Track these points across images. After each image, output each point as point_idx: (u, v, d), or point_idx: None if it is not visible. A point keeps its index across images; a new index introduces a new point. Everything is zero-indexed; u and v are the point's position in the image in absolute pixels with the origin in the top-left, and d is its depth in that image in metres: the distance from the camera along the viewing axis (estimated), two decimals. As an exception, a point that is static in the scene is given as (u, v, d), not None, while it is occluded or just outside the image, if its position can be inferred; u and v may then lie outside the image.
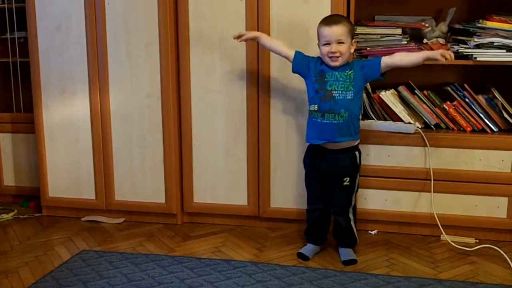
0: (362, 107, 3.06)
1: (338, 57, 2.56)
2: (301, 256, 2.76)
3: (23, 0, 3.35)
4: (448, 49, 2.93)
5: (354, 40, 2.64)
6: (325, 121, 2.61)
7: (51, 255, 2.84)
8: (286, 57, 2.76)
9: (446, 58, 2.56)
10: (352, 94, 2.60)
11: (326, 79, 2.62)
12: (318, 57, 2.70)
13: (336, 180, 2.68)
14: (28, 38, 3.27)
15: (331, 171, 2.68)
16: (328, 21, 2.58)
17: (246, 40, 2.83)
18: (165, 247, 2.93)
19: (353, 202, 2.74)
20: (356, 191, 2.75)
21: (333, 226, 2.80)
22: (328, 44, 2.56)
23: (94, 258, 2.77)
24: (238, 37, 2.80)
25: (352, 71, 2.61)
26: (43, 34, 3.22)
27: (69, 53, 3.20)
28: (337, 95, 2.59)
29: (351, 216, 2.74)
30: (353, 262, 2.70)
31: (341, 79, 2.60)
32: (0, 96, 3.81)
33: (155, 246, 2.95)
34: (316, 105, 2.63)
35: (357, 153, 2.70)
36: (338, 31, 2.54)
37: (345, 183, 2.67)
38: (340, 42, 2.55)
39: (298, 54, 2.72)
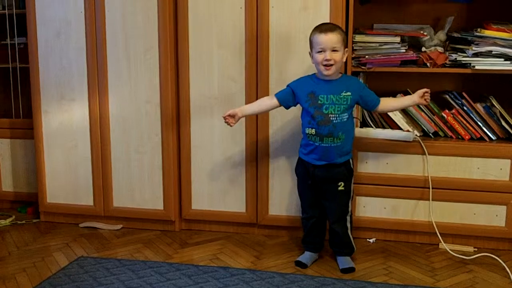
0: (361, 115, 3.07)
1: (332, 65, 2.55)
2: (299, 264, 2.75)
3: (23, 6, 3.36)
4: (446, 58, 2.95)
5: (346, 49, 2.64)
6: (325, 145, 2.63)
7: (49, 261, 2.83)
8: (274, 107, 2.76)
9: (425, 99, 2.66)
10: (347, 115, 2.62)
11: (320, 102, 2.61)
12: (301, 78, 2.70)
13: (331, 186, 2.68)
14: (28, 44, 3.28)
15: (326, 177, 2.68)
16: (322, 28, 2.58)
17: (230, 117, 2.70)
18: (163, 254, 2.92)
19: (349, 209, 2.74)
20: (352, 198, 2.75)
21: (329, 235, 2.79)
22: (322, 51, 2.55)
23: (92, 265, 2.76)
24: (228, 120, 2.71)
25: (349, 93, 2.61)
26: (43, 40, 3.23)
27: (69, 59, 3.20)
28: (335, 118, 2.60)
29: (348, 224, 2.74)
30: (351, 270, 2.69)
31: (337, 102, 2.60)
32: (-1, 101, 3.83)
33: (153, 252, 2.94)
34: (314, 129, 2.63)
35: (350, 159, 2.71)
36: (333, 38, 2.54)
37: (339, 188, 2.67)
38: (334, 50, 2.54)
39: (279, 95, 2.72)
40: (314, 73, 2.68)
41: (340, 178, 2.67)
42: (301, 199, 2.83)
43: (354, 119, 2.79)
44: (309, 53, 2.65)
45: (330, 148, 2.62)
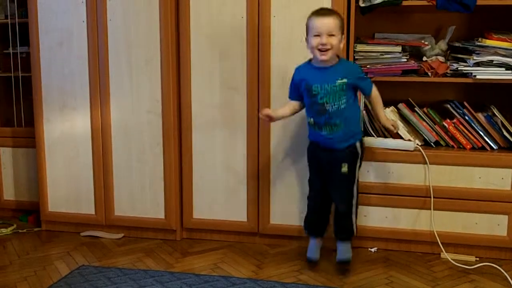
0: (362, 123, 3.06)
1: (328, 49, 2.50)
2: (310, 261, 2.77)
3: (26, 16, 3.38)
4: (447, 67, 2.95)
5: (343, 35, 2.59)
6: (324, 134, 2.63)
7: (50, 270, 2.83)
8: (298, 109, 2.74)
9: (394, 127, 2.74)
10: (345, 101, 2.58)
11: (314, 93, 2.58)
12: (300, 66, 2.68)
13: (335, 169, 2.65)
14: (30, 53, 3.30)
15: (329, 159, 2.66)
16: (319, 12, 2.53)
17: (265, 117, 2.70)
18: (164, 263, 2.92)
19: (355, 194, 2.70)
20: (356, 182, 2.71)
21: (334, 217, 2.78)
22: (318, 36, 2.50)
23: (93, 274, 2.76)
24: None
25: (345, 79, 2.56)
26: (45, 49, 3.24)
27: (71, 68, 3.22)
28: (330, 107, 2.57)
29: (353, 207, 2.71)
30: (346, 263, 2.71)
31: (331, 91, 2.56)
32: (1, 110, 3.83)
33: (154, 262, 2.94)
34: (312, 119, 2.64)
35: (358, 143, 2.68)
36: (330, 22, 2.49)
37: (343, 169, 2.63)
38: (331, 35, 2.49)
39: (291, 96, 2.72)
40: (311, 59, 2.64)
41: (342, 160, 2.63)
42: (309, 179, 2.81)
43: (357, 102, 2.72)
44: (305, 39, 2.59)
45: (329, 137, 2.62)
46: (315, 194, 2.79)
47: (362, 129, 3.07)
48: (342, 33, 2.57)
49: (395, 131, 2.80)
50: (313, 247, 2.80)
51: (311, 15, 2.56)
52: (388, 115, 3.02)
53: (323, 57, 2.53)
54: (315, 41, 2.52)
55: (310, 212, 2.83)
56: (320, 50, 2.52)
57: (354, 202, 2.72)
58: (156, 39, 3.06)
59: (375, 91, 2.71)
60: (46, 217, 3.41)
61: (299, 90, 2.68)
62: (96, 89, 3.19)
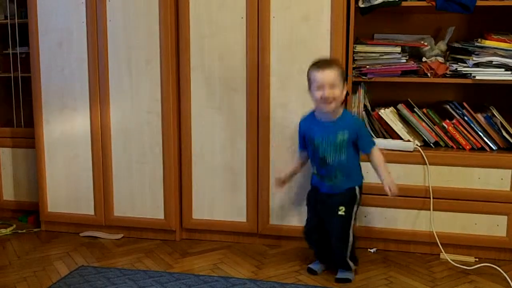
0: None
1: (331, 101, 2.52)
2: (311, 270, 2.76)
3: (25, 16, 3.38)
4: (447, 68, 2.95)
5: (345, 83, 2.61)
6: (325, 182, 2.65)
7: (49, 271, 2.83)
8: (305, 160, 2.78)
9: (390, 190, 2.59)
10: (346, 155, 2.60)
11: (316, 144, 2.61)
12: (306, 116, 2.71)
13: (332, 211, 2.64)
14: (30, 54, 3.30)
15: (327, 201, 2.66)
16: (319, 65, 2.55)
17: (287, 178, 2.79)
18: (164, 264, 2.92)
19: (351, 238, 2.64)
20: (353, 225, 2.66)
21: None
22: (321, 88, 2.52)
23: (92, 274, 2.76)
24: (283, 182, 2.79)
25: (347, 131, 2.58)
26: (45, 49, 3.24)
27: (71, 69, 3.22)
28: (330, 160, 2.60)
29: (347, 253, 2.65)
30: (346, 281, 2.67)
31: (332, 144, 2.59)
32: (1, 110, 3.84)
33: (154, 262, 2.94)
34: (315, 167, 2.68)
35: (357, 188, 2.67)
36: (331, 75, 2.50)
37: (340, 213, 2.62)
38: (333, 86, 2.51)
39: (300, 147, 2.76)
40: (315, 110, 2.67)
41: (340, 203, 2.63)
42: (306, 220, 2.81)
43: (358, 153, 2.69)
44: (309, 90, 2.61)
45: (331, 185, 2.64)
46: (310, 231, 2.78)
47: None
48: (344, 82, 2.58)
49: (389, 195, 2.62)
50: (318, 265, 2.79)
51: (312, 67, 2.58)
52: (387, 116, 3.03)
53: (329, 108, 2.55)
54: (318, 94, 2.54)
55: (310, 246, 2.84)
56: (324, 101, 2.54)
57: (350, 243, 2.66)
58: (156, 39, 3.06)
59: (376, 151, 2.66)
60: (46, 217, 3.41)
61: (303, 139, 2.72)
62: (95, 90, 3.20)
